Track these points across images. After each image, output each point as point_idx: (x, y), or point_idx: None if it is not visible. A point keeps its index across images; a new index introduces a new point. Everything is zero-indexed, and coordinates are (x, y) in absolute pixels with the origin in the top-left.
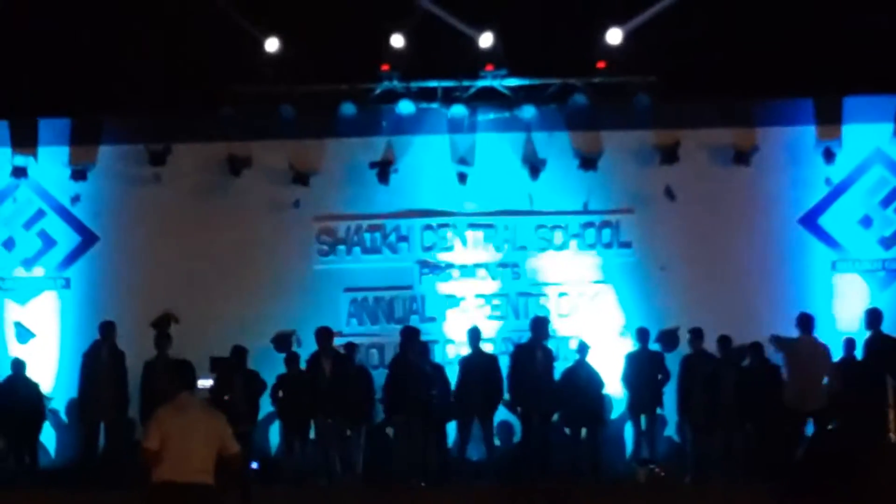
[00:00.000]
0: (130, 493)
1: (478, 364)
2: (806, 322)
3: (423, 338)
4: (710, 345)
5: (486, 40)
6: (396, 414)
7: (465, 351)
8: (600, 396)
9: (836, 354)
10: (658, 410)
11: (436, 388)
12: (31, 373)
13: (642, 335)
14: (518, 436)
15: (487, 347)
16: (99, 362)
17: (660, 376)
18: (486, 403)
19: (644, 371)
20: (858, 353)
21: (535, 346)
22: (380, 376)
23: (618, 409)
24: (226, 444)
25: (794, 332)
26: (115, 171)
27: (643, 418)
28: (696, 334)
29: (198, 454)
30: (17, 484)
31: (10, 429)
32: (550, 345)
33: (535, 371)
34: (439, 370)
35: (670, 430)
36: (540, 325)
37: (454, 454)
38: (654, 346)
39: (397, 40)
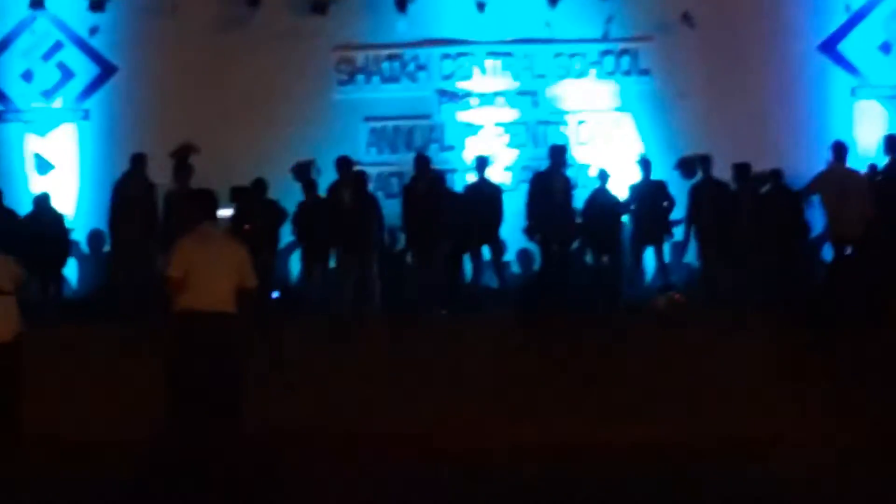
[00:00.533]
0: (154, 323)
1: (482, 193)
2: (839, 150)
3: (442, 166)
4: (727, 172)
5: None
6: (411, 242)
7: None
8: (619, 224)
9: None
10: (669, 238)
11: (448, 216)
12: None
13: (645, 165)
14: (537, 264)
15: (506, 176)
16: (129, 193)
17: (665, 204)
18: (488, 231)
19: (648, 201)
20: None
21: (553, 174)
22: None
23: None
24: (245, 276)
25: (814, 161)
26: (133, 2)
27: (650, 248)
28: (705, 161)
29: (220, 284)
30: (42, 316)
31: (36, 260)
32: (569, 173)
33: (553, 199)
34: (453, 198)
35: (690, 259)
36: (558, 153)
37: (470, 282)
38: (658, 175)
39: None
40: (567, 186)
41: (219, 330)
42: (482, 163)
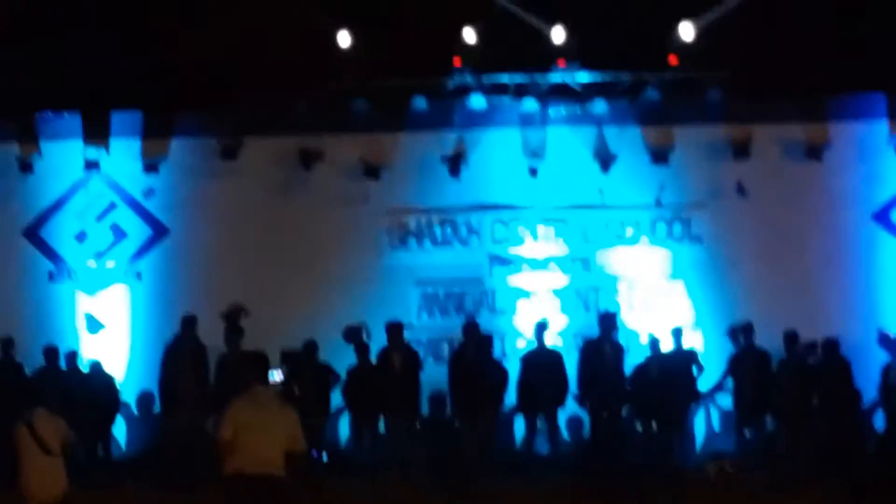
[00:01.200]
0: (206, 486)
1: (542, 359)
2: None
3: (494, 331)
4: (779, 340)
5: (558, 35)
6: (459, 408)
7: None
8: (670, 392)
9: None
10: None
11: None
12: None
13: (676, 334)
14: (588, 430)
15: (558, 342)
16: (181, 356)
17: (695, 369)
18: (550, 398)
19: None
20: None
21: (603, 341)
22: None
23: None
24: (295, 440)
25: (865, 330)
26: (186, 165)
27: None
28: (746, 330)
29: (270, 446)
30: (91, 478)
31: (84, 421)
32: (620, 339)
33: (603, 366)
34: (498, 364)
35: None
36: (608, 320)
37: (521, 449)
38: (710, 343)
39: (469, 34)
40: (617, 353)
41: (268, 493)
42: (541, 328)
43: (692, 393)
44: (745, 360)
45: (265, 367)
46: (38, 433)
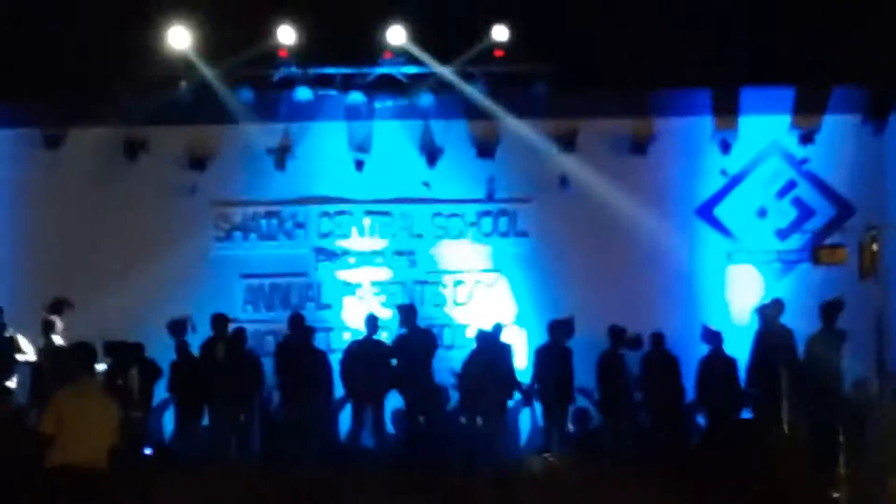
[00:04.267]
0: (23, 479)
1: (366, 350)
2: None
3: (320, 325)
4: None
5: (393, 34)
6: (285, 399)
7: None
8: (505, 385)
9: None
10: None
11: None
12: None
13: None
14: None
15: (383, 336)
16: None
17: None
18: (372, 391)
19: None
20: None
21: (410, 335)
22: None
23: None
24: (116, 434)
25: (688, 323)
26: (9, 155)
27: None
28: (550, 328)
29: (94, 439)
30: None
31: None
32: (447, 333)
33: (413, 359)
34: (322, 355)
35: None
36: (404, 312)
37: (347, 441)
38: (535, 338)
39: (288, 32)
40: (426, 346)
41: (91, 487)
42: (372, 321)
43: (510, 387)
44: (550, 356)
45: (92, 358)
46: None
